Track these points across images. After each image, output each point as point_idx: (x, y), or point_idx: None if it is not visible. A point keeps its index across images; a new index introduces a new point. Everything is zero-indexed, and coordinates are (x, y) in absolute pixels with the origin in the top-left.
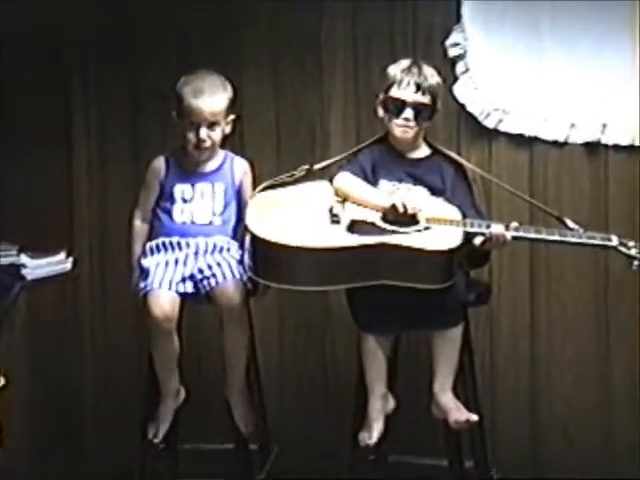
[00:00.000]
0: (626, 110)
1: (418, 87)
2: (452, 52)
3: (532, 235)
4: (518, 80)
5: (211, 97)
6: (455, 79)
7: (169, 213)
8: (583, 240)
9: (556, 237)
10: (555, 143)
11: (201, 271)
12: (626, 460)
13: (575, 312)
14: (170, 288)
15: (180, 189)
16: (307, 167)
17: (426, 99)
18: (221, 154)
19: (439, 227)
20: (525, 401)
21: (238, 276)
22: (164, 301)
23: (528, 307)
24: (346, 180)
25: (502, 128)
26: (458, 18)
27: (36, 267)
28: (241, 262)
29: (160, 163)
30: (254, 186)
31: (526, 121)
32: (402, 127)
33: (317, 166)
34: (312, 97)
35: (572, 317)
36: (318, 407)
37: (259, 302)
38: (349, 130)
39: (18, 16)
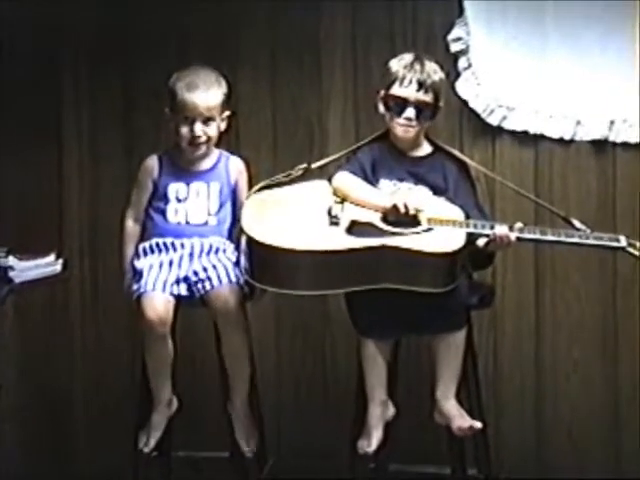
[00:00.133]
0: (634, 107)
1: (420, 85)
2: (454, 47)
3: (537, 236)
4: (522, 76)
5: (206, 91)
6: (457, 75)
7: (163, 213)
8: (590, 241)
9: (562, 238)
10: (561, 141)
11: (196, 273)
12: (631, 462)
13: (581, 314)
14: (164, 290)
15: (174, 188)
16: (304, 166)
17: (428, 97)
18: (216, 153)
19: (441, 228)
20: (530, 404)
21: (234, 279)
22: (158, 304)
23: (533, 309)
24: (345, 180)
25: (506, 125)
26: (460, 14)
27: (25, 269)
28: (237, 264)
29: (153, 162)
30: (250, 186)
31: (531, 118)
32: (404, 126)
33: (315, 165)
34: (310, 96)
35: (578, 319)
36: (316, 413)
37: (256, 306)
38: (348, 129)
39: (11, 15)
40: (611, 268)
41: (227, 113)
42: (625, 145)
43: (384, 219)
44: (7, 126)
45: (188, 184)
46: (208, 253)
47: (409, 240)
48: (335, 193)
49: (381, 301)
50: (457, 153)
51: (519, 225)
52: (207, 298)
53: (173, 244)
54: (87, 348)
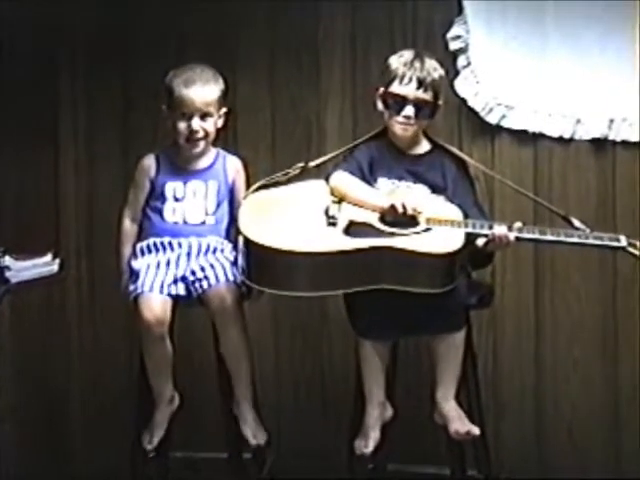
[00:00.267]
0: (634, 105)
1: (420, 83)
2: (453, 45)
3: (536, 236)
4: (521, 74)
5: (202, 87)
6: (456, 73)
7: (160, 212)
8: (590, 241)
9: (562, 238)
10: (560, 139)
11: (193, 273)
12: (631, 462)
13: (581, 314)
14: (162, 291)
15: (171, 187)
16: (302, 165)
17: (428, 95)
18: (213, 152)
19: (440, 228)
20: (530, 404)
21: (232, 278)
22: (155, 304)
23: (532, 309)
24: (342, 179)
25: (505, 124)
26: (459, 12)
27: (21, 269)
28: (235, 264)
29: (150, 161)
30: (248, 185)
31: (530, 117)
32: (402, 124)
33: (312, 164)
34: (309, 96)
35: (578, 319)
36: (315, 413)
37: (254, 305)
38: (346, 129)
39: (10, 15)
40: (611, 268)
41: (224, 110)
42: (625, 144)
43: (382, 219)
44: (4, 125)
45: (185, 183)
46: (206, 253)
47: (407, 240)
48: (332, 193)
49: (379, 302)
50: (456, 151)
51: (518, 225)
52: (205, 297)
53: (170, 244)
54: (84, 348)
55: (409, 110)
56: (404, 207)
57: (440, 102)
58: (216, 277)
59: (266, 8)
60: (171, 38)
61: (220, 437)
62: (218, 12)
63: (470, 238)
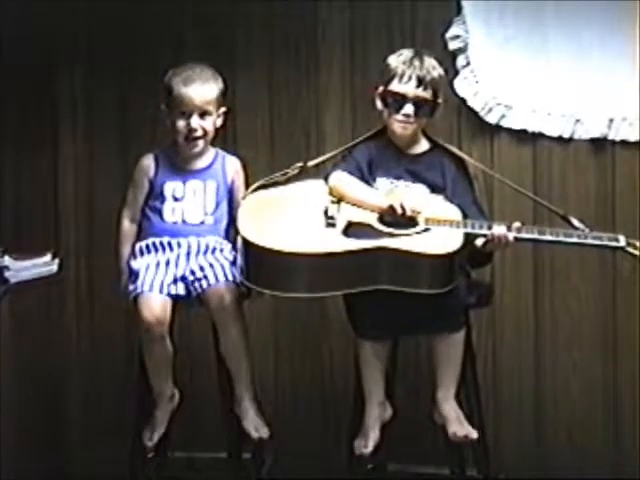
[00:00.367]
0: (633, 104)
1: (420, 81)
2: (452, 45)
3: (535, 236)
4: (521, 74)
5: (202, 85)
6: (456, 73)
7: (159, 212)
8: (589, 241)
9: (561, 238)
10: (560, 139)
11: (193, 272)
12: (631, 462)
13: (581, 314)
14: (161, 291)
15: (171, 187)
16: (301, 165)
17: (427, 94)
18: (212, 151)
19: (439, 228)
20: (529, 404)
21: (231, 278)
22: (155, 304)
23: (532, 309)
24: (341, 179)
25: (505, 124)
26: (458, 12)
27: (20, 269)
28: (234, 264)
29: (149, 161)
30: (247, 185)
31: (529, 116)
32: (402, 123)
33: (311, 163)
34: (308, 95)
35: (578, 319)
36: (314, 414)
37: (254, 305)
38: (345, 129)
39: (9, 14)
40: (611, 268)
41: (223, 109)
42: (624, 143)
43: (381, 219)
44: (4, 125)
45: (184, 183)
46: (205, 252)
47: (406, 241)
48: (331, 193)
49: (379, 302)
50: (455, 150)
51: (517, 225)
52: (204, 296)
53: (170, 243)
54: (83, 348)
55: (408, 108)
56: (403, 208)
57: (439, 100)
58: (215, 277)
59: (265, 8)
60: (170, 38)
61: (220, 437)
62: (217, 12)
63: (469, 238)
